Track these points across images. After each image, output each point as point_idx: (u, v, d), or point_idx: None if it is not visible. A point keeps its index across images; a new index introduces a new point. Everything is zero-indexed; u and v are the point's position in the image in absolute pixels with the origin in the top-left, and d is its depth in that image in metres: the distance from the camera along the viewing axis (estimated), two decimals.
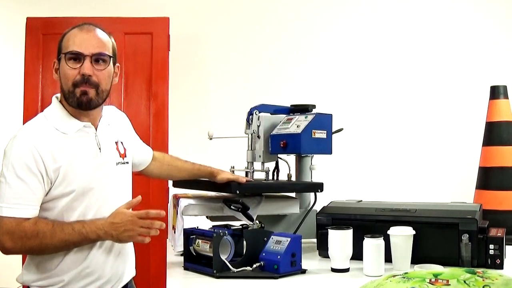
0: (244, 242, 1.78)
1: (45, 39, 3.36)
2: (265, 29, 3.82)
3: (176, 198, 2.06)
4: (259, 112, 2.22)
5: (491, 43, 3.81)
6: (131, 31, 3.42)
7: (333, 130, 2.18)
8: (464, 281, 1.15)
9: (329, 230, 1.82)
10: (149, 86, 3.46)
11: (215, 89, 3.80)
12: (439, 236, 1.85)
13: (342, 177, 3.53)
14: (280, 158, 2.26)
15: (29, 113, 3.18)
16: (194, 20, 3.79)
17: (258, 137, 2.20)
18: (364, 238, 1.77)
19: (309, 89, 3.74)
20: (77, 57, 1.55)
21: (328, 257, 1.84)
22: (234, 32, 3.81)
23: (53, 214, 1.54)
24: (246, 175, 2.20)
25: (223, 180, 1.96)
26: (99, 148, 1.63)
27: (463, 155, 3.66)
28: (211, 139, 2.23)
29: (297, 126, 2.10)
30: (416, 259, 1.80)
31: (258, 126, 2.21)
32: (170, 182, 2.23)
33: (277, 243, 1.73)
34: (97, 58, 1.57)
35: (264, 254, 1.74)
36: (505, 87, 2.93)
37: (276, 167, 2.25)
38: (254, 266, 1.72)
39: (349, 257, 1.80)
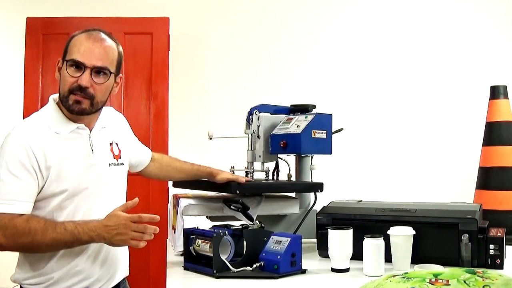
0: (244, 242, 1.78)
1: (45, 39, 3.36)
2: (265, 29, 3.82)
3: (176, 198, 2.06)
4: (259, 112, 2.22)
5: (491, 43, 3.81)
6: (131, 31, 3.42)
7: (333, 130, 2.18)
8: (464, 281, 1.15)
9: (329, 230, 1.82)
10: (149, 86, 3.46)
11: (215, 89, 3.80)
12: (439, 236, 1.85)
13: (342, 177, 3.53)
14: (280, 158, 2.26)
15: (29, 113, 3.15)
16: (194, 20, 3.79)
17: (258, 137, 2.20)
18: (364, 238, 1.77)
19: (309, 89, 3.74)
20: (78, 66, 1.55)
21: (328, 257, 1.84)
22: (234, 32, 3.81)
23: (43, 212, 1.54)
24: (246, 175, 2.20)
25: (222, 180, 1.96)
26: (92, 149, 1.63)
27: (463, 155, 3.66)
28: (211, 139, 2.23)
29: (297, 126, 2.10)
30: (416, 259, 1.80)
31: (258, 126, 2.20)
32: (170, 182, 2.23)
33: (277, 243, 1.73)
34: (98, 71, 1.57)
35: (264, 254, 1.74)
36: (505, 87, 2.93)
37: (276, 167, 2.25)
38: (254, 266, 1.72)
39: (349, 257, 1.80)
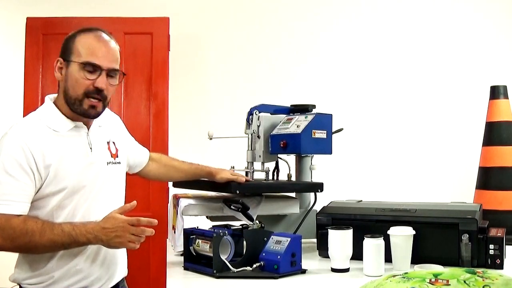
0: (244, 242, 1.78)
1: (45, 39, 3.36)
2: (265, 29, 3.82)
3: (176, 198, 2.06)
4: (259, 112, 2.22)
5: (491, 43, 3.81)
6: (131, 31, 3.42)
7: (333, 130, 2.18)
8: (464, 281, 1.15)
9: (329, 230, 1.82)
10: (149, 86, 3.45)
11: (215, 89, 3.79)
12: (439, 236, 1.85)
13: (342, 177, 3.53)
14: (280, 158, 2.26)
15: (29, 113, 3.18)
16: (194, 20, 3.79)
17: (258, 137, 2.20)
18: (364, 238, 1.77)
19: (309, 89, 3.74)
20: (95, 69, 1.57)
21: (328, 257, 1.84)
22: (234, 32, 3.81)
23: (43, 212, 1.54)
24: (246, 175, 2.20)
25: (222, 179, 1.97)
26: (90, 148, 1.64)
27: (463, 155, 3.66)
28: (211, 139, 2.23)
29: (297, 126, 2.10)
30: (416, 259, 1.80)
31: (258, 126, 2.21)
32: (170, 183, 2.23)
33: (277, 243, 1.73)
34: (112, 72, 1.60)
35: (264, 254, 1.74)
36: (505, 87, 2.93)
37: (276, 167, 2.25)
38: (254, 266, 1.72)
39: (349, 257, 1.80)
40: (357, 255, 1.79)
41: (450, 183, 3.67)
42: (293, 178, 2.29)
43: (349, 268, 1.79)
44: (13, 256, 1.62)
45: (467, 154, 3.51)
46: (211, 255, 1.69)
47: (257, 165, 2.22)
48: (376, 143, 3.77)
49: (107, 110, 1.80)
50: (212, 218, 2.09)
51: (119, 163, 1.75)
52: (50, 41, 3.32)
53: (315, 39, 3.84)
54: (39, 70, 3.38)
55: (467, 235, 1.79)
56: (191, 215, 1.98)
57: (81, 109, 1.58)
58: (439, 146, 3.77)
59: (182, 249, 1.87)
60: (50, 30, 3.35)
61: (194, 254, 1.80)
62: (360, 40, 3.84)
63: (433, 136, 3.78)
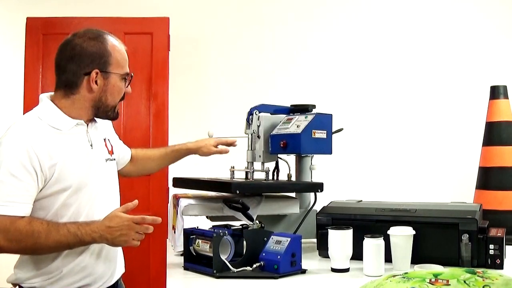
0: (244, 242, 1.78)
1: (45, 39, 3.36)
2: (265, 29, 3.82)
3: (176, 198, 2.06)
4: (259, 112, 2.22)
5: (491, 43, 3.81)
6: (131, 31, 3.42)
7: (333, 130, 2.18)
8: (464, 281, 1.15)
9: (329, 230, 1.82)
10: (149, 86, 3.46)
11: (215, 89, 3.79)
12: (439, 236, 1.85)
13: (342, 177, 3.53)
14: (280, 158, 2.26)
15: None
16: (194, 20, 3.78)
17: (258, 137, 2.20)
18: (364, 238, 1.77)
19: (309, 89, 3.74)
20: (128, 77, 1.71)
21: (328, 257, 1.84)
22: (234, 32, 3.81)
23: (49, 212, 1.54)
24: (246, 175, 2.20)
25: (207, 154, 2.04)
26: (91, 145, 1.65)
27: (463, 155, 3.66)
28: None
29: (297, 126, 2.10)
30: (416, 259, 1.80)
31: (258, 126, 2.20)
32: (170, 183, 2.22)
33: (277, 243, 1.73)
34: None
35: (264, 254, 1.74)
36: (505, 87, 2.92)
37: (276, 167, 2.25)
38: (254, 266, 1.72)
39: (349, 257, 1.80)
40: (357, 255, 1.79)
41: (450, 183, 3.67)
42: (293, 178, 2.29)
43: (349, 268, 1.79)
44: (10, 256, 1.60)
45: (467, 154, 3.51)
46: (211, 255, 1.69)
47: (257, 165, 2.22)
48: (376, 143, 3.77)
49: None
50: (212, 218, 2.09)
51: (114, 159, 1.79)
52: (50, 41, 3.32)
53: (315, 39, 3.84)
54: (39, 70, 3.38)
55: (467, 235, 1.79)
56: (191, 215, 1.98)
57: (114, 114, 1.70)
58: (439, 146, 3.77)
59: (182, 249, 1.87)
60: (50, 30, 3.35)
61: (194, 254, 1.80)
62: (360, 40, 3.84)
63: (433, 136, 3.78)
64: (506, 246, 1.88)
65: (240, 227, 1.81)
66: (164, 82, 3.46)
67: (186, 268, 1.82)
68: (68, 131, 1.60)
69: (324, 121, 2.14)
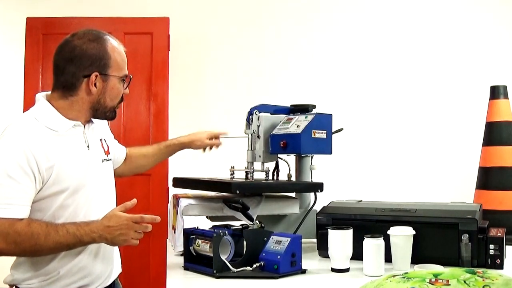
0: (244, 242, 1.78)
1: (45, 39, 3.36)
2: (265, 29, 3.82)
3: (176, 198, 2.06)
4: (259, 112, 2.22)
5: (491, 43, 3.81)
6: (131, 31, 3.42)
7: (333, 130, 2.18)
8: (464, 281, 1.15)
9: (329, 230, 1.82)
10: (149, 86, 3.46)
11: (215, 89, 3.80)
12: (439, 236, 1.85)
13: (342, 177, 3.53)
14: (280, 158, 2.26)
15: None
16: (194, 20, 3.79)
17: (258, 137, 2.20)
18: (364, 238, 1.77)
19: (309, 89, 3.74)
20: (127, 79, 1.70)
21: (328, 257, 1.84)
22: (234, 32, 3.81)
23: (46, 213, 1.54)
24: (246, 175, 2.20)
25: (200, 147, 2.06)
26: (87, 146, 1.65)
27: (463, 155, 3.66)
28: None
29: (297, 126, 2.10)
30: (416, 259, 1.79)
31: (258, 126, 2.20)
32: (170, 183, 2.22)
33: (277, 243, 1.73)
34: None
35: (264, 254, 1.74)
36: (505, 87, 2.93)
37: (276, 167, 2.25)
38: (254, 266, 1.72)
39: (349, 257, 1.80)
40: (357, 255, 1.79)
41: (450, 183, 3.67)
42: (293, 178, 2.29)
43: (349, 268, 1.79)
44: (7, 257, 1.60)
45: (467, 154, 3.51)
46: (211, 255, 1.69)
47: (257, 165, 2.21)
48: (376, 143, 3.77)
49: None
50: (212, 218, 2.09)
51: (110, 159, 1.78)
52: (50, 41, 3.32)
53: (315, 39, 3.84)
54: (39, 70, 3.38)
55: (467, 235, 1.79)
56: (191, 215, 1.98)
57: (112, 115, 1.69)
58: (439, 146, 3.77)
59: (182, 249, 1.87)
60: (50, 30, 3.35)
61: (194, 254, 1.80)
62: (360, 40, 3.84)
63: (433, 136, 3.78)
64: (506, 246, 1.87)
65: (240, 227, 1.81)
66: (164, 82, 3.46)
67: (186, 268, 1.82)
68: (65, 132, 1.59)
69: (324, 121, 2.14)
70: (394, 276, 1.24)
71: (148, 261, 3.31)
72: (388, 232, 1.81)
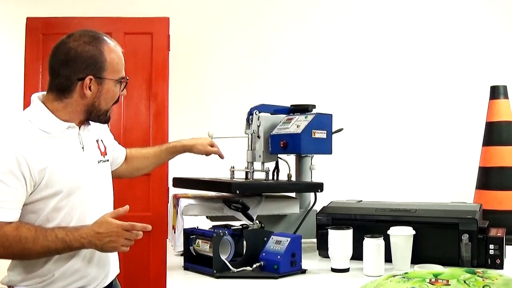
0: (244, 242, 1.78)
1: (45, 39, 3.36)
2: (265, 29, 3.82)
3: (176, 198, 2.06)
4: (259, 112, 2.22)
5: (491, 43, 3.81)
6: (131, 31, 3.42)
7: (333, 130, 2.18)
8: (464, 281, 1.15)
9: (329, 230, 1.82)
10: (149, 86, 3.46)
11: (215, 89, 3.79)
12: (439, 236, 1.85)
13: (342, 177, 3.53)
14: (280, 158, 2.26)
15: None
16: (194, 20, 3.78)
17: (258, 137, 2.20)
18: (364, 238, 1.77)
19: (309, 89, 3.74)
20: (124, 81, 1.67)
21: (328, 257, 1.84)
22: (234, 32, 3.81)
23: (40, 215, 1.53)
24: (246, 175, 2.20)
25: (201, 153, 2.04)
26: (82, 147, 1.63)
27: (463, 155, 3.66)
28: (211, 139, 2.23)
29: (297, 126, 2.10)
30: (416, 259, 1.79)
31: (258, 126, 2.20)
32: (170, 183, 2.22)
33: (277, 243, 1.73)
34: None
35: (264, 254, 1.74)
36: (505, 87, 2.92)
37: (276, 167, 2.25)
38: (254, 266, 1.72)
39: (349, 257, 1.80)
40: (357, 255, 1.79)
41: (450, 183, 3.67)
42: (293, 178, 2.29)
43: (349, 268, 1.79)
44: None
45: (467, 154, 3.51)
46: (211, 255, 1.69)
47: (257, 165, 2.22)
48: (376, 143, 3.77)
49: None
50: (212, 218, 2.09)
51: (107, 160, 1.76)
52: (50, 41, 3.31)
53: (315, 39, 3.84)
54: (39, 70, 3.38)
55: (467, 235, 1.79)
56: (191, 215, 1.98)
57: (106, 118, 1.67)
58: (439, 146, 3.77)
59: (182, 249, 1.87)
60: (50, 30, 3.35)
61: (194, 254, 1.80)
62: (360, 40, 3.84)
63: (433, 136, 3.78)
64: (506, 246, 1.87)
65: (240, 227, 1.81)
66: (164, 82, 3.46)
67: (186, 268, 1.82)
68: (59, 134, 1.57)
69: (324, 121, 2.14)
70: (394, 276, 1.24)
71: (148, 261, 3.31)
72: (388, 232, 1.81)
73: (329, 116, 2.17)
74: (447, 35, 3.82)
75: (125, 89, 1.70)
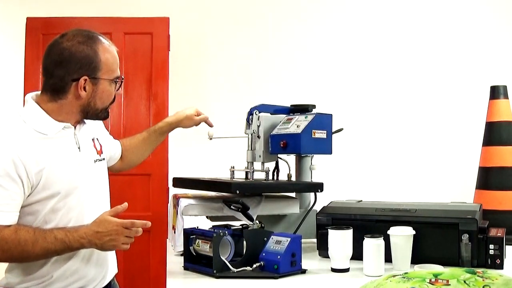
0: (244, 242, 1.78)
1: (45, 39, 3.35)
2: (265, 29, 3.82)
3: (176, 198, 2.06)
4: (259, 112, 2.22)
5: (492, 43, 3.81)
6: (131, 31, 3.42)
7: (333, 130, 2.18)
8: (464, 281, 1.15)
9: (329, 230, 1.82)
10: (149, 86, 3.46)
11: (215, 89, 3.79)
12: (439, 236, 1.85)
13: (342, 177, 3.53)
14: (280, 158, 2.26)
15: None
16: (194, 20, 3.78)
17: (258, 137, 2.20)
18: (364, 238, 1.77)
19: (309, 89, 3.74)
20: (119, 80, 1.65)
21: (328, 257, 1.84)
22: (234, 32, 3.81)
23: (37, 217, 1.52)
24: (246, 175, 2.20)
25: (190, 126, 2.04)
26: (78, 147, 1.62)
27: (463, 155, 3.66)
28: (211, 139, 2.23)
29: (297, 126, 2.10)
30: (416, 259, 1.80)
31: (258, 126, 2.21)
32: (170, 183, 2.22)
33: (277, 243, 1.73)
34: None
35: (264, 254, 1.74)
36: (505, 87, 2.92)
37: (276, 167, 2.25)
38: (254, 266, 1.72)
39: (349, 257, 1.80)
40: (357, 255, 1.79)
41: (450, 183, 3.67)
42: (293, 178, 2.29)
43: (349, 268, 1.79)
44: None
45: (467, 154, 3.51)
46: (211, 255, 1.69)
47: (257, 165, 2.22)
48: (376, 143, 3.77)
49: None
50: (212, 218, 2.09)
51: (103, 159, 1.75)
52: (50, 41, 3.32)
53: (315, 39, 3.84)
54: (39, 70, 3.34)
55: (467, 235, 1.79)
56: (191, 215, 1.98)
57: (104, 115, 1.65)
58: (439, 146, 3.77)
59: (182, 249, 1.87)
60: (50, 30, 3.35)
61: (194, 254, 1.80)
62: (360, 40, 3.84)
63: (433, 136, 3.78)
64: (506, 246, 1.87)
65: (240, 227, 1.81)
66: (164, 82, 3.46)
67: (186, 268, 1.82)
68: (54, 135, 1.55)
69: (324, 121, 2.14)
70: (394, 276, 1.24)
71: (148, 261, 3.31)
72: (388, 232, 1.81)
73: (329, 116, 2.17)
74: (447, 35, 3.82)
75: (120, 88, 1.69)
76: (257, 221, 1.84)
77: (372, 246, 1.74)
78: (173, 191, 2.25)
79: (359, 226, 1.86)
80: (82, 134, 1.65)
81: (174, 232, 2.01)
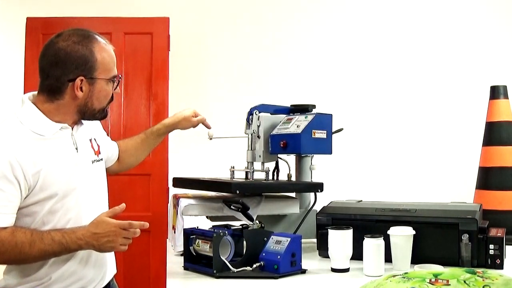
0: (244, 242, 1.78)
1: (45, 39, 3.32)
2: (265, 29, 3.82)
3: (176, 198, 2.06)
4: (259, 112, 2.22)
5: (492, 43, 3.81)
6: (131, 31, 3.42)
7: (333, 130, 2.18)
8: (464, 281, 1.15)
9: (329, 230, 1.82)
10: (149, 86, 3.46)
11: (215, 89, 3.79)
12: (439, 236, 1.85)
13: (342, 177, 3.53)
14: (280, 158, 2.26)
15: None
16: (194, 20, 3.79)
17: (258, 137, 2.20)
18: (364, 238, 1.77)
19: (309, 89, 3.74)
20: (117, 79, 1.63)
21: (328, 257, 1.84)
22: (234, 32, 3.81)
23: (35, 218, 1.51)
24: (246, 175, 2.20)
25: (187, 127, 2.02)
26: (76, 148, 1.61)
27: (463, 155, 3.66)
28: (211, 139, 2.23)
29: (297, 126, 2.10)
30: (416, 259, 1.80)
31: (258, 126, 2.21)
32: (170, 183, 2.22)
33: (277, 243, 1.73)
34: None
35: (264, 254, 1.74)
36: (505, 87, 2.92)
37: (276, 167, 2.25)
38: (254, 266, 1.72)
39: (349, 257, 1.80)
40: (357, 255, 1.79)
41: (450, 183, 3.67)
42: (293, 178, 2.29)
43: (349, 268, 1.79)
44: None
45: (467, 154, 3.51)
46: (211, 255, 1.69)
47: (257, 165, 2.22)
48: (376, 143, 3.77)
49: None
50: (212, 218, 2.09)
51: (101, 159, 1.74)
52: None
53: (315, 39, 3.84)
54: None
55: (467, 235, 1.79)
56: (191, 215, 1.98)
57: (102, 115, 1.64)
58: (439, 146, 3.77)
59: (182, 249, 1.87)
60: (50, 30, 3.33)
61: (194, 254, 1.80)
62: (360, 40, 3.84)
63: (433, 136, 3.78)
64: (506, 246, 1.87)
65: (240, 227, 1.81)
66: (164, 82, 3.46)
67: (186, 268, 1.82)
68: (51, 136, 1.54)
69: (324, 121, 2.14)
70: (394, 276, 1.24)
71: (148, 261, 3.31)
72: (388, 232, 1.81)
73: (329, 116, 2.17)
74: (447, 35, 3.82)
75: (118, 87, 1.67)
76: (257, 221, 1.84)
77: (372, 246, 1.74)
78: (173, 191, 2.25)
79: (359, 226, 1.86)
80: (79, 134, 1.64)
81: (174, 232, 2.01)
